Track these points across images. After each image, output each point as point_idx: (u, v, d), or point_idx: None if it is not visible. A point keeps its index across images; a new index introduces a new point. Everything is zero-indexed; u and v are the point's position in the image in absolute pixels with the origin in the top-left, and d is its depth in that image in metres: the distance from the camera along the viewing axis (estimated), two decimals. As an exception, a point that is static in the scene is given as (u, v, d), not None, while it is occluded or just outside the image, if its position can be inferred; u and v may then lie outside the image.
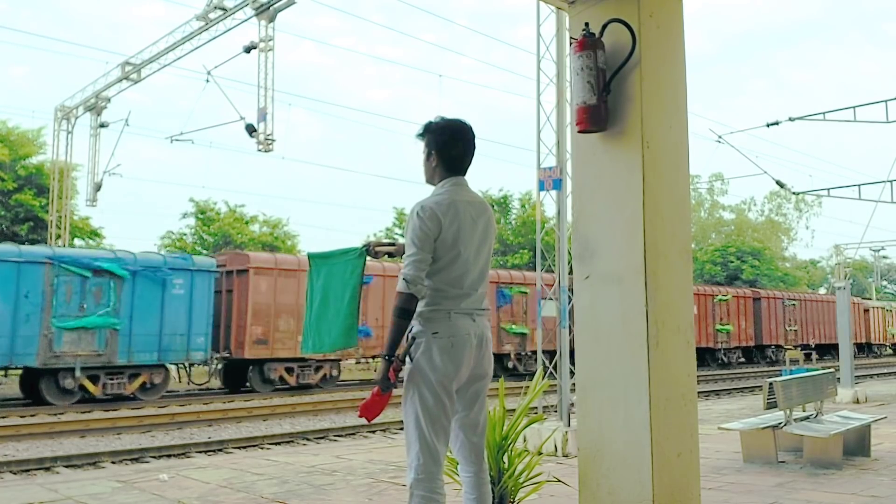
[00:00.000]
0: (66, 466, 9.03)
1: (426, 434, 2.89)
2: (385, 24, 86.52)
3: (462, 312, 2.94)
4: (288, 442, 11.02)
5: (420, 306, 2.93)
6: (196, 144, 18.74)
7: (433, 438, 2.89)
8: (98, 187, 20.06)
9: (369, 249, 3.32)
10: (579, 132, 3.46)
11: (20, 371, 15.84)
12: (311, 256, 3.52)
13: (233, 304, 17.67)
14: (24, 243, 19.19)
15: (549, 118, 8.05)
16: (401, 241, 3.24)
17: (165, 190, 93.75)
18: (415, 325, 2.94)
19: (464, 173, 3.12)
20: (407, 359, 2.93)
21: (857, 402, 12.82)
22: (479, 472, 3.07)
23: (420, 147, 3.16)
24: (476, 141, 3.16)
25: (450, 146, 3.08)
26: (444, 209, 2.94)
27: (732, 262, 44.13)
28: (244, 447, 10.52)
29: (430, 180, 3.14)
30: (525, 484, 4.14)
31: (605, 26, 3.40)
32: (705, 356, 29.14)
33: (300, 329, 16.78)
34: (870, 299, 44.26)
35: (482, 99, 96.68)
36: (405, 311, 2.87)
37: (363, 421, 3.04)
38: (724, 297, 29.92)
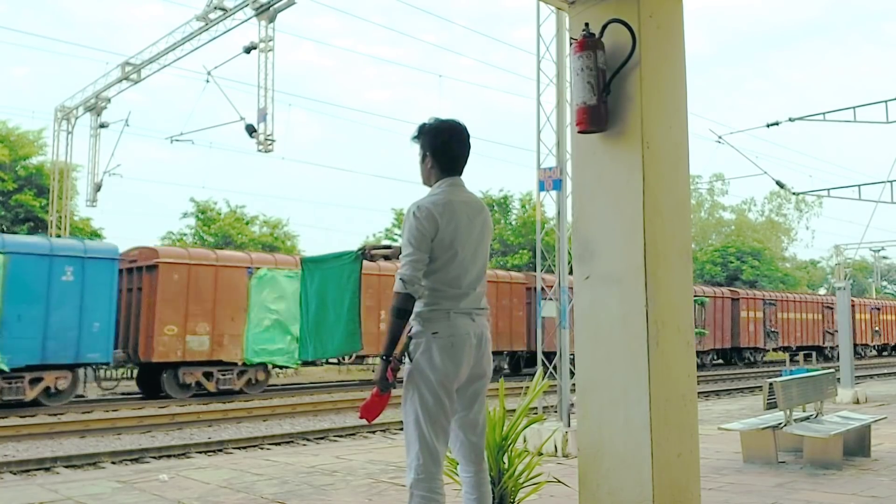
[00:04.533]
0: (66, 467, 9.02)
1: (426, 434, 2.89)
2: (385, 25, 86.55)
3: (461, 312, 2.95)
4: (288, 442, 11.02)
5: (419, 306, 2.93)
6: (196, 144, 18.75)
7: (433, 438, 2.89)
8: (98, 187, 20.05)
9: (365, 253, 3.33)
10: (579, 132, 3.46)
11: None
12: (304, 261, 3.55)
13: (142, 303, 16.15)
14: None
15: (549, 118, 8.05)
16: (396, 244, 3.25)
17: (165, 190, 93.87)
18: (414, 325, 2.95)
19: (460, 173, 3.12)
20: (406, 359, 2.93)
21: (857, 402, 12.82)
22: (479, 471, 3.07)
23: (416, 149, 3.16)
24: (471, 141, 3.16)
25: (444, 147, 3.09)
26: (440, 209, 2.94)
27: (732, 262, 44.12)
28: (244, 447, 10.51)
29: (426, 182, 3.15)
30: (525, 484, 4.14)
31: (605, 27, 3.40)
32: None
33: (216, 330, 16.22)
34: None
35: (482, 99, 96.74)
36: (402, 310, 2.87)
37: (363, 421, 3.04)
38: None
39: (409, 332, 2.95)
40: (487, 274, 3.18)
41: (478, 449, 3.08)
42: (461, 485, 3.13)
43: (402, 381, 3.00)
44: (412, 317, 2.93)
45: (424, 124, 3.14)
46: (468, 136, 3.15)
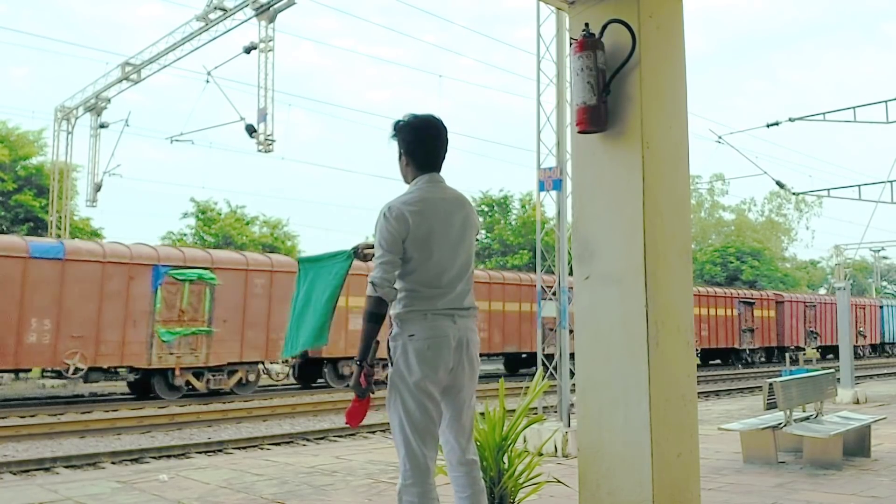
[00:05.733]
0: (66, 467, 9.02)
1: (411, 439, 2.84)
2: (385, 25, 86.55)
3: (440, 313, 2.87)
4: (288, 442, 11.02)
5: (396, 308, 2.88)
6: (196, 145, 18.78)
7: (419, 443, 2.84)
8: (98, 188, 20.07)
9: (357, 252, 3.29)
10: (579, 132, 3.46)
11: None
12: (300, 261, 3.49)
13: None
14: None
15: (549, 118, 8.05)
16: None
17: (165, 190, 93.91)
18: (393, 328, 2.90)
19: (438, 170, 3.04)
20: (389, 362, 2.90)
21: (857, 402, 12.82)
22: (470, 472, 3.01)
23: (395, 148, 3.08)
24: (448, 135, 3.06)
25: (418, 143, 3.01)
26: (412, 208, 2.87)
27: (732, 262, 44.15)
28: (244, 448, 10.51)
29: (406, 180, 3.08)
30: (525, 484, 4.14)
31: (604, 27, 3.40)
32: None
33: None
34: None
35: (482, 99, 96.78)
36: (374, 314, 2.81)
37: (362, 422, 3.00)
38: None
39: (389, 334, 2.91)
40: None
41: (467, 451, 3.02)
42: (453, 486, 3.09)
43: (382, 385, 2.96)
44: (392, 319, 2.89)
45: (399, 121, 3.04)
46: (444, 130, 3.05)
